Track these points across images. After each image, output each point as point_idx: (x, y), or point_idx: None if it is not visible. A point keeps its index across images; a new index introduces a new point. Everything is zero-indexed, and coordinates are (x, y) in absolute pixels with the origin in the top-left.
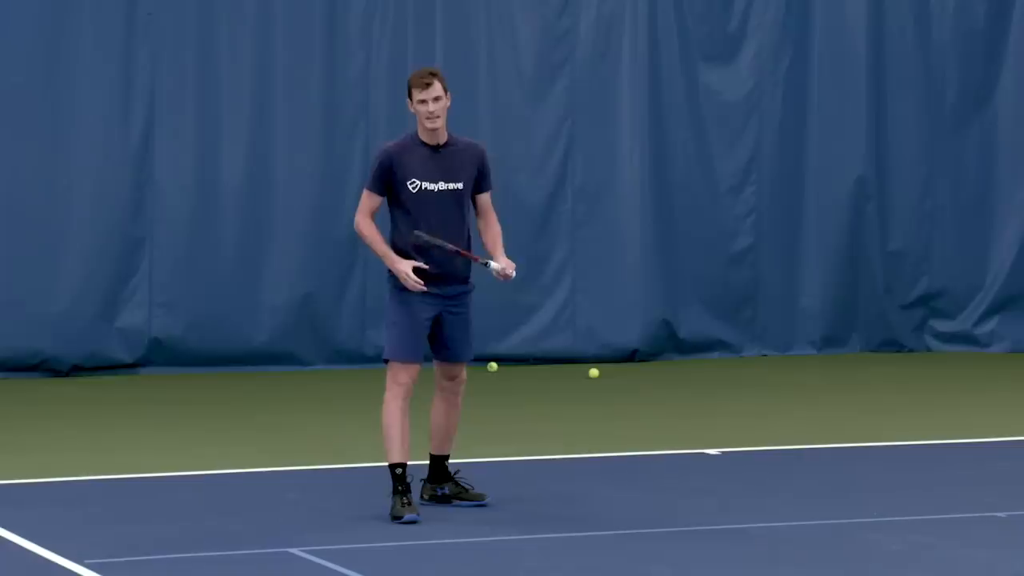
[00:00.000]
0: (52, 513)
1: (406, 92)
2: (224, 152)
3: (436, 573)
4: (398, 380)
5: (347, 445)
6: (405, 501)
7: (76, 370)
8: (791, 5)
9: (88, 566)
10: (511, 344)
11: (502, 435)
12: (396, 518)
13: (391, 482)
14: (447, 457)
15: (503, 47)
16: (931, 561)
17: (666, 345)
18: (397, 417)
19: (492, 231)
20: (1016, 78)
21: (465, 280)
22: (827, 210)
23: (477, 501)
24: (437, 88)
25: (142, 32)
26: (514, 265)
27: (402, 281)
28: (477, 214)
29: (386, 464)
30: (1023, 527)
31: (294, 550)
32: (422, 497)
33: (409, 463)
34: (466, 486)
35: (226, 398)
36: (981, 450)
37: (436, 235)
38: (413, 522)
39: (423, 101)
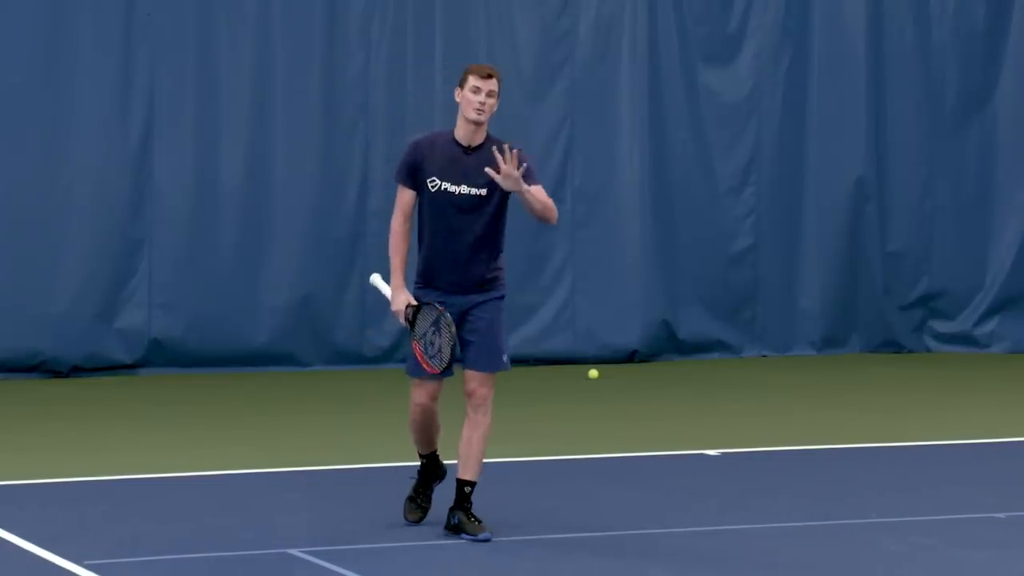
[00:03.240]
0: (52, 513)
1: (458, 82)
2: (224, 152)
3: (436, 574)
4: (414, 399)
5: (347, 445)
6: (418, 501)
7: (76, 371)
8: (791, 6)
9: (88, 566)
10: (511, 345)
11: (502, 435)
12: (405, 516)
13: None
14: (468, 483)
15: (503, 47)
16: (931, 562)
17: (666, 346)
18: (416, 426)
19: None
20: (1016, 79)
21: (485, 287)
22: (827, 211)
23: (476, 535)
24: (494, 84)
25: (142, 32)
26: (512, 170)
27: (393, 314)
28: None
29: (385, 465)
30: (1023, 528)
31: (294, 550)
32: (444, 528)
33: (412, 463)
34: (475, 520)
35: (226, 398)
36: (981, 450)
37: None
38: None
39: (477, 89)
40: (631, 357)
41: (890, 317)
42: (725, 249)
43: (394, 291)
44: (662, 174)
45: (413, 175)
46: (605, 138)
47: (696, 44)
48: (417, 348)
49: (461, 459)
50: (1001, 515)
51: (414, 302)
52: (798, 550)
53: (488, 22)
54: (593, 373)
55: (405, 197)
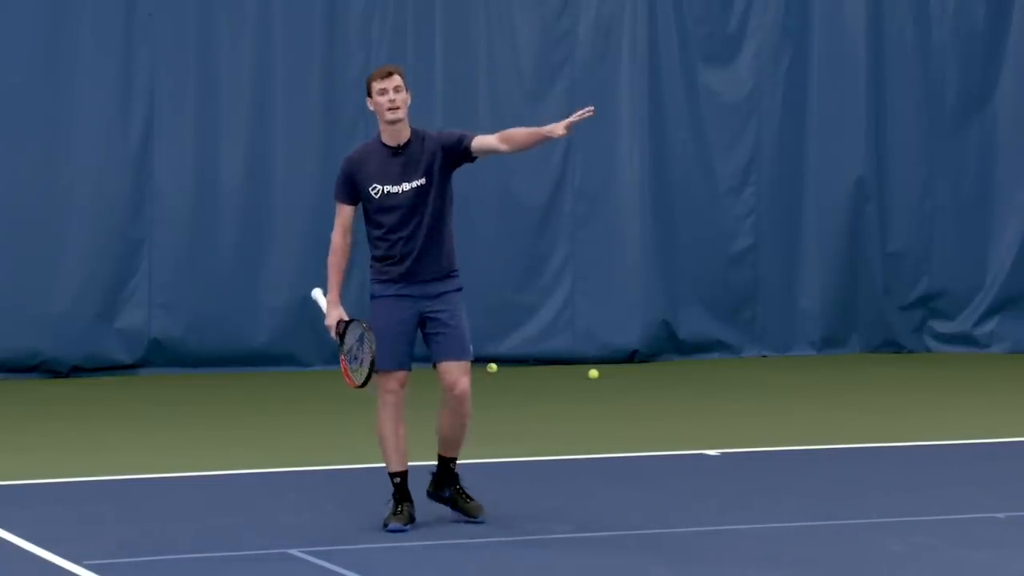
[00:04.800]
0: (52, 513)
1: (365, 94)
2: (224, 152)
3: (435, 574)
4: (385, 389)
5: (347, 445)
6: (399, 510)
7: (76, 371)
8: (790, 6)
9: (88, 566)
10: (511, 345)
11: (502, 435)
12: (384, 525)
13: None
14: (453, 460)
15: (503, 47)
16: (931, 562)
17: (666, 346)
18: (388, 427)
19: (510, 133)
20: (1015, 79)
21: (445, 276)
22: (827, 211)
23: (471, 517)
24: (397, 79)
25: (142, 32)
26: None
27: (326, 328)
28: (491, 148)
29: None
30: (1023, 528)
31: (294, 550)
32: (428, 491)
33: (412, 463)
34: (467, 497)
35: (226, 398)
36: (981, 450)
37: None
38: (399, 531)
39: (383, 91)
40: (631, 357)
41: (890, 317)
42: (725, 249)
43: (329, 306)
44: (662, 174)
45: (350, 190)
46: (605, 138)
47: (696, 44)
48: (344, 362)
49: (443, 440)
50: (1001, 515)
51: (346, 318)
52: (799, 550)
53: (488, 22)
54: (593, 374)
55: (345, 213)
